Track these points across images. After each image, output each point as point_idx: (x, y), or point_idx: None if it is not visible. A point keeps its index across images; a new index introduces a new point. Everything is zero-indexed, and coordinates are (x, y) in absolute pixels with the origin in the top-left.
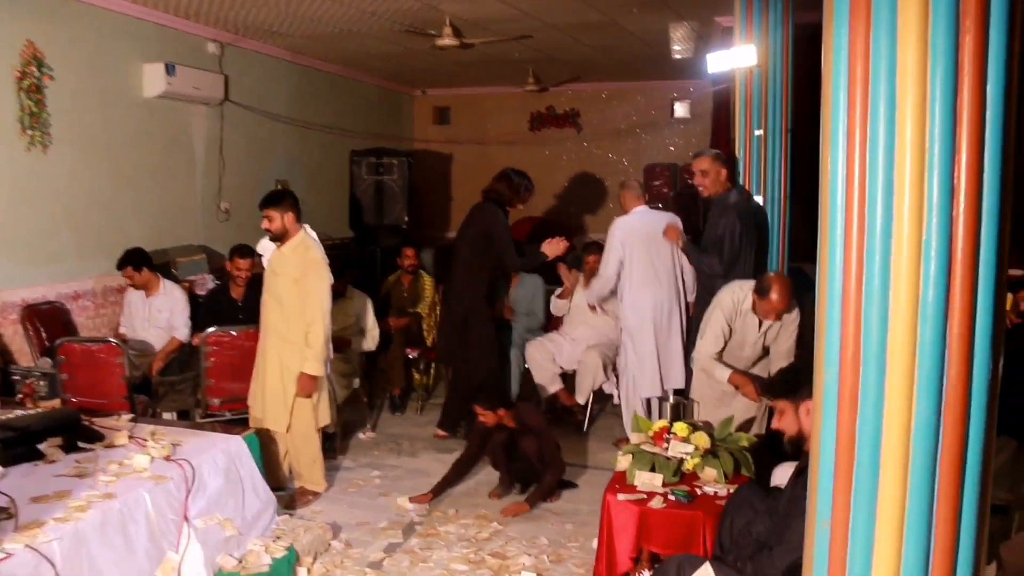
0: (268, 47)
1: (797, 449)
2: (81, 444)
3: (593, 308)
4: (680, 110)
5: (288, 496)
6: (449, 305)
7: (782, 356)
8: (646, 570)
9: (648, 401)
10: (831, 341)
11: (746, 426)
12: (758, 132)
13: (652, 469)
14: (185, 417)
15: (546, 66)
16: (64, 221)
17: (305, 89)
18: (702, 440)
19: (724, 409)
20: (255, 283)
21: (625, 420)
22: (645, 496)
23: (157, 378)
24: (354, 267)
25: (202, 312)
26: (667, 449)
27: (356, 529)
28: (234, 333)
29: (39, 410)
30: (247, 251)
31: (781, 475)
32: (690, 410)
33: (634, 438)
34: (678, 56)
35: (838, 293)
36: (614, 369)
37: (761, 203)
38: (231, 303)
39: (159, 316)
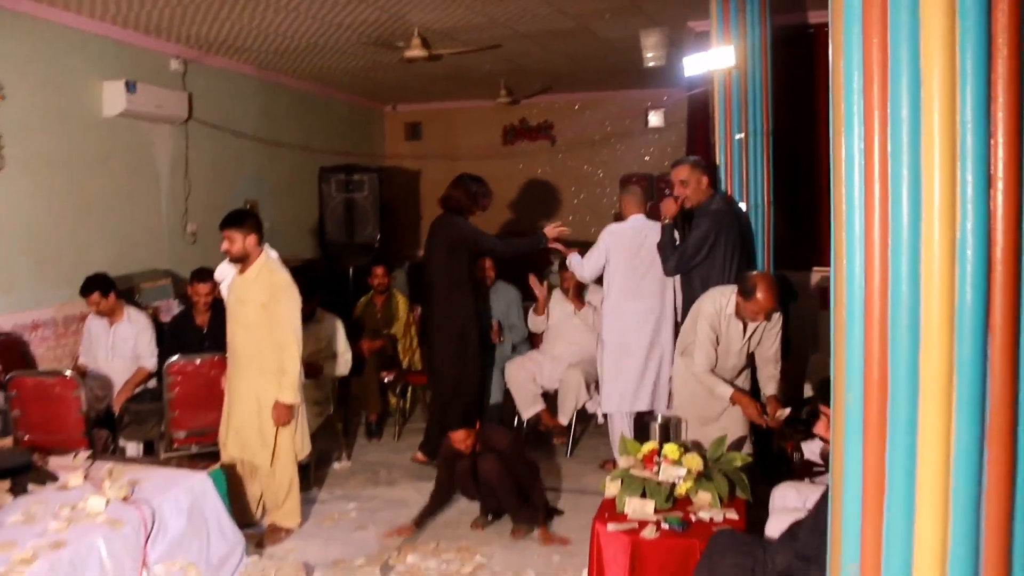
0: (234, 63)
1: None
2: (31, 486)
3: (577, 299)
4: (654, 119)
5: (259, 534)
6: (440, 324)
7: (769, 361)
8: None
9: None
10: (852, 361)
11: (736, 445)
12: (739, 135)
13: (643, 495)
14: (150, 449)
15: (518, 77)
16: (20, 247)
17: (273, 106)
18: (694, 462)
19: (711, 427)
20: (220, 308)
21: (612, 434)
22: (636, 525)
23: (124, 404)
24: (324, 288)
25: (167, 339)
26: (658, 473)
27: (331, 568)
28: (198, 362)
29: None
30: (206, 275)
31: (782, 496)
32: (679, 429)
33: (622, 462)
34: (651, 64)
35: (859, 304)
36: (596, 387)
37: (744, 209)
38: (195, 330)
39: (124, 345)
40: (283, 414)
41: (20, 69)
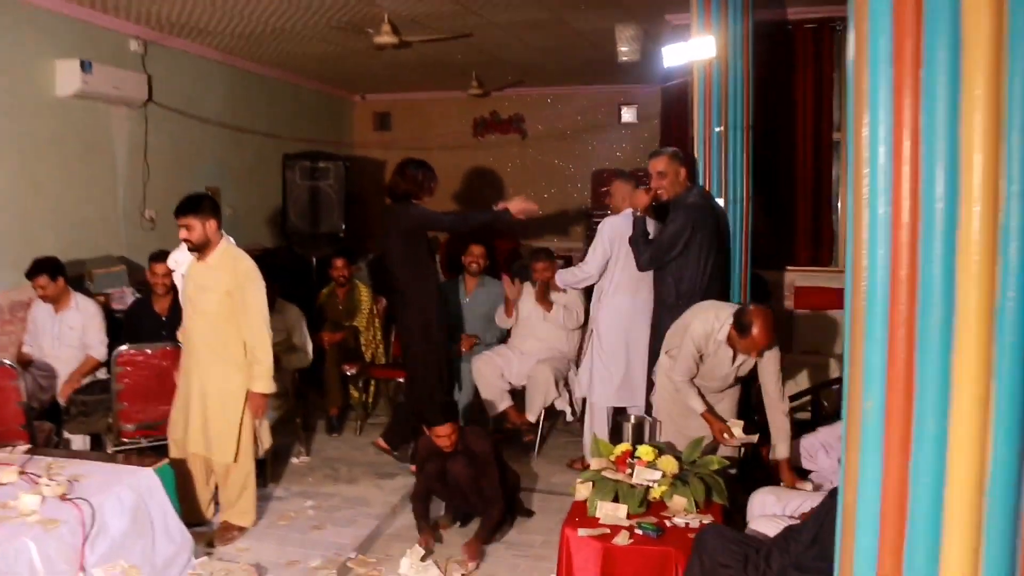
0: (196, 46)
1: None
2: None
3: (544, 301)
4: (627, 115)
5: (209, 533)
6: (406, 314)
7: (775, 402)
8: None
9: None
10: (871, 365)
11: (713, 448)
12: (718, 129)
13: (615, 499)
14: (98, 442)
15: (489, 69)
16: None
17: (237, 92)
18: (670, 465)
19: (690, 426)
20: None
21: (585, 433)
22: (608, 530)
23: (71, 396)
24: (286, 277)
25: (124, 327)
26: (631, 476)
27: (285, 569)
28: (149, 352)
29: None
30: (164, 256)
31: (761, 503)
32: (653, 430)
33: (594, 463)
34: (625, 59)
35: (881, 303)
36: (566, 384)
37: (722, 204)
38: (154, 318)
39: (70, 333)
40: (259, 405)
41: None
